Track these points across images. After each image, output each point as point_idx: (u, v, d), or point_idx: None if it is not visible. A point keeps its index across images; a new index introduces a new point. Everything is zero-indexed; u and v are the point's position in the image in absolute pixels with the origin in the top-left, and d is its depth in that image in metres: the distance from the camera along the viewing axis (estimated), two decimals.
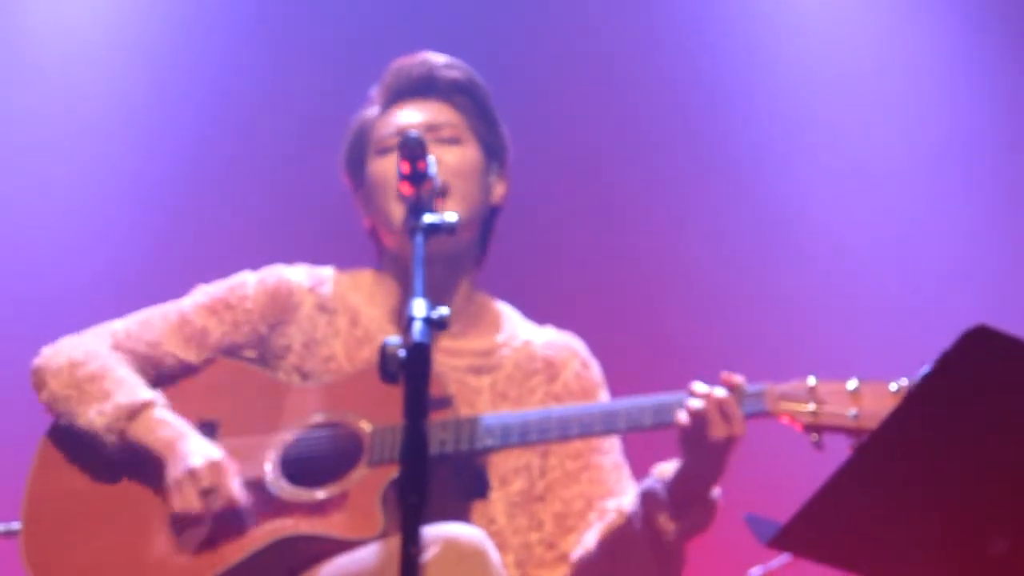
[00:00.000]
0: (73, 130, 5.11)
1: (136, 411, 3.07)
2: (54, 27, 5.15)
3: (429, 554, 2.65)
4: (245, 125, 5.24)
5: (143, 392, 3.11)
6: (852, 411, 2.85)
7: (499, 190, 3.31)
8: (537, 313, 3.39)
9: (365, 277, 3.32)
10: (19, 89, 5.08)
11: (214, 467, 2.99)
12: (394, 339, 2.56)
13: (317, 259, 3.37)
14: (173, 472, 3.00)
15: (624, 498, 3.12)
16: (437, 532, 2.70)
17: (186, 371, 3.22)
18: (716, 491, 2.99)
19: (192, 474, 2.98)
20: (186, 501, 2.97)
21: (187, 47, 5.27)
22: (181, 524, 3.00)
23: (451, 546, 2.70)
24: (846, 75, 5.47)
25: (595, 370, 3.32)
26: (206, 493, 2.97)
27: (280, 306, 3.25)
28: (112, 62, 5.21)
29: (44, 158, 5.06)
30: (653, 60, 5.43)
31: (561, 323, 3.38)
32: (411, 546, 2.34)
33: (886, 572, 2.47)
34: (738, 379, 2.93)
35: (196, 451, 3.01)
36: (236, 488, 2.99)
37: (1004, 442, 2.32)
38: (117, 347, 3.20)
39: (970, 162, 5.38)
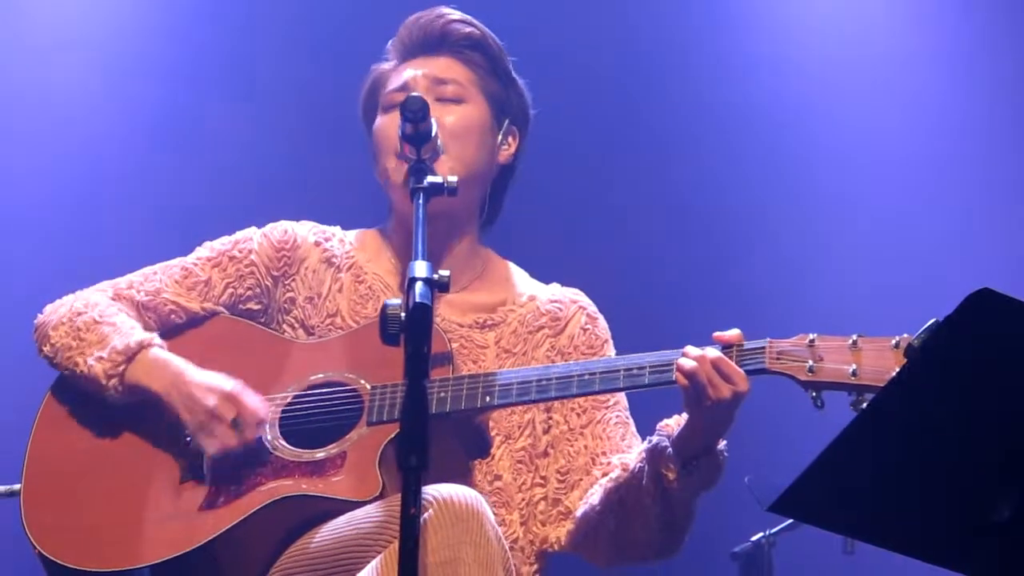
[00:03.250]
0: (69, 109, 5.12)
1: (133, 353, 3.06)
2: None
3: (424, 515, 2.64)
4: (248, 93, 5.23)
5: (139, 333, 3.10)
6: (851, 367, 2.83)
7: (508, 149, 3.29)
8: (543, 272, 3.38)
9: (370, 235, 3.33)
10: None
11: (228, 398, 2.99)
12: (395, 300, 2.56)
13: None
14: (193, 419, 3.00)
15: (628, 454, 3.11)
16: (432, 493, 2.68)
17: (189, 322, 3.21)
18: (722, 444, 2.98)
19: (214, 414, 2.99)
20: (224, 442, 2.98)
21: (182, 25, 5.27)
22: (223, 463, 3.00)
23: (446, 507, 2.69)
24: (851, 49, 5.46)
25: (601, 325, 3.30)
26: (235, 425, 2.98)
27: (285, 258, 3.24)
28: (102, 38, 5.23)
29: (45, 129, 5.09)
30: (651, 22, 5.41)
31: (566, 281, 3.36)
32: (411, 507, 2.34)
33: (889, 538, 2.45)
34: (736, 334, 2.91)
35: (205, 388, 3.01)
36: (258, 406, 3.01)
37: (1008, 407, 2.31)
38: (118, 297, 3.20)
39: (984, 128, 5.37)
